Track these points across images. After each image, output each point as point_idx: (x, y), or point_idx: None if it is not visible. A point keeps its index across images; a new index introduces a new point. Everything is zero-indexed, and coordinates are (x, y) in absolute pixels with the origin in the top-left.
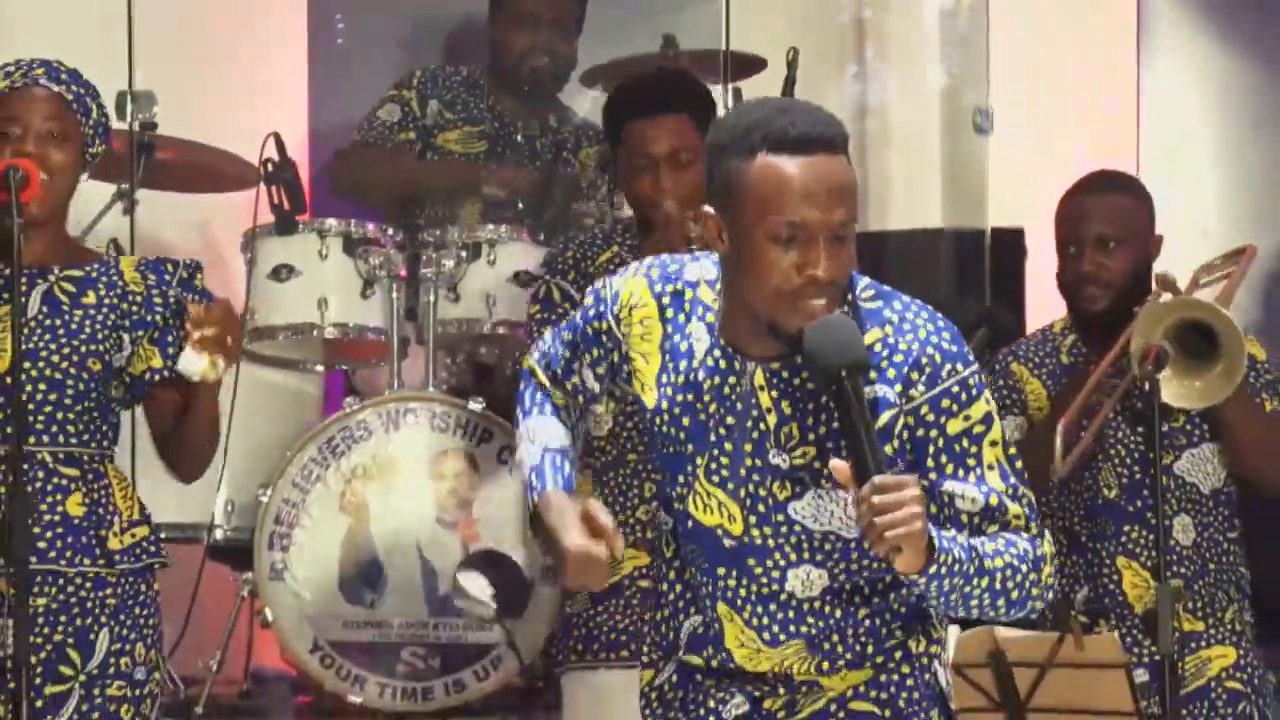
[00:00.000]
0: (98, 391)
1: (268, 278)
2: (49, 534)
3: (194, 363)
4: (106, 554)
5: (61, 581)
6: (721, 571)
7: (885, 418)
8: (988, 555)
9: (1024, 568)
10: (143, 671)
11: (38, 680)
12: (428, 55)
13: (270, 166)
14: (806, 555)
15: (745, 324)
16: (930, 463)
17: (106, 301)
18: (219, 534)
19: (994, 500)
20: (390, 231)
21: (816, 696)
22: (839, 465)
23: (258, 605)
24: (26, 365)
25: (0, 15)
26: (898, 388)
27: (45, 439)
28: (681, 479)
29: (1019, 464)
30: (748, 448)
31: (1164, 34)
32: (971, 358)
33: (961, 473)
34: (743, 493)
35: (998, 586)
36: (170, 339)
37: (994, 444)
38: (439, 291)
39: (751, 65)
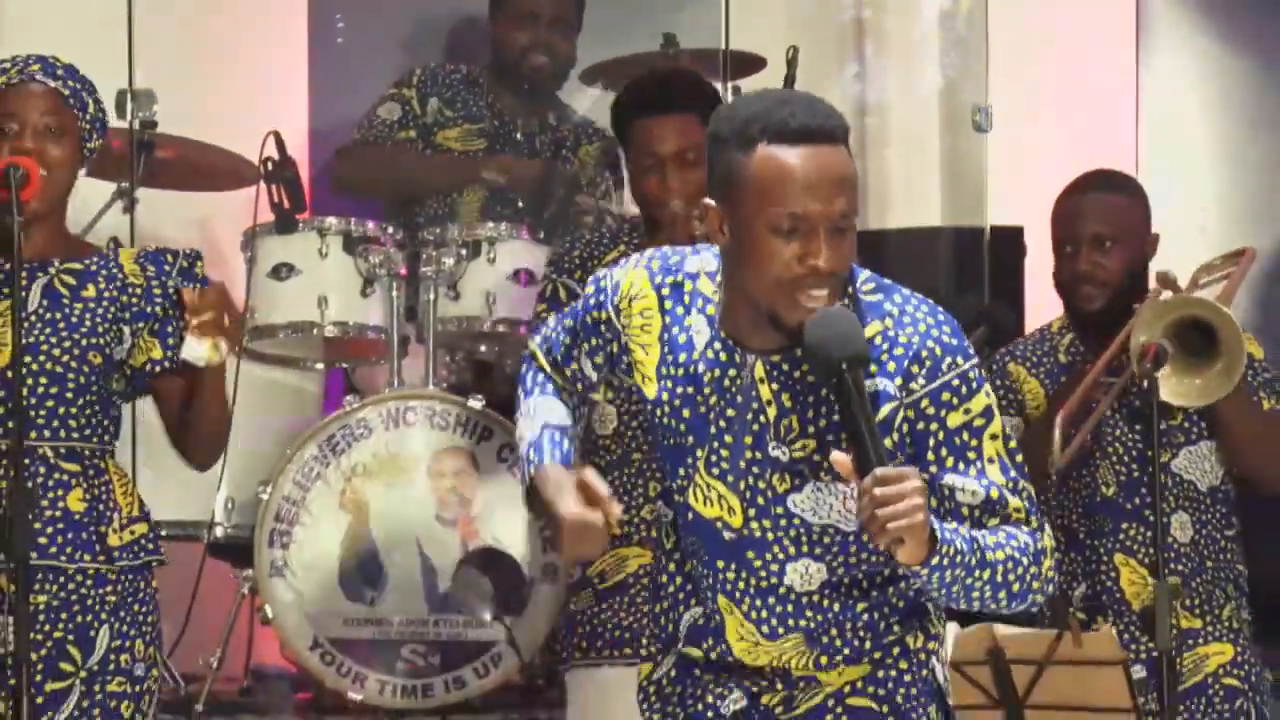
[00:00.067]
0: (99, 385)
1: (268, 276)
2: (49, 529)
3: (196, 348)
4: (106, 550)
5: (62, 579)
6: (721, 564)
7: (885, 411)
8: (989, 548)
9: (1025, 560)
10: (142, 668)
11: (38, 677)
12: (428, 54)
13: (270, 165)
14: (805, 549)
15: (746, 316)
16: (930, 456)
17: (106, 294)
18: (219, 531)
19: (994, 493)
20: (390, 230)
21: (814, 692)
22: (840, 458)
23: (258, 602)
24: (27, 359)
25: (0, 14)
26: (898, 381)
27: (46, 434)
28: (682, 471)
29: (1019, 458)
30: (748, 440)
31: (1163, 33)
32: (972, 351)
33: (962, 466)
34: (742, 485)
35: (999, 579)
36: (170, 329)
37: (994, 437)
38: (439, 289)
39: (751, 64)
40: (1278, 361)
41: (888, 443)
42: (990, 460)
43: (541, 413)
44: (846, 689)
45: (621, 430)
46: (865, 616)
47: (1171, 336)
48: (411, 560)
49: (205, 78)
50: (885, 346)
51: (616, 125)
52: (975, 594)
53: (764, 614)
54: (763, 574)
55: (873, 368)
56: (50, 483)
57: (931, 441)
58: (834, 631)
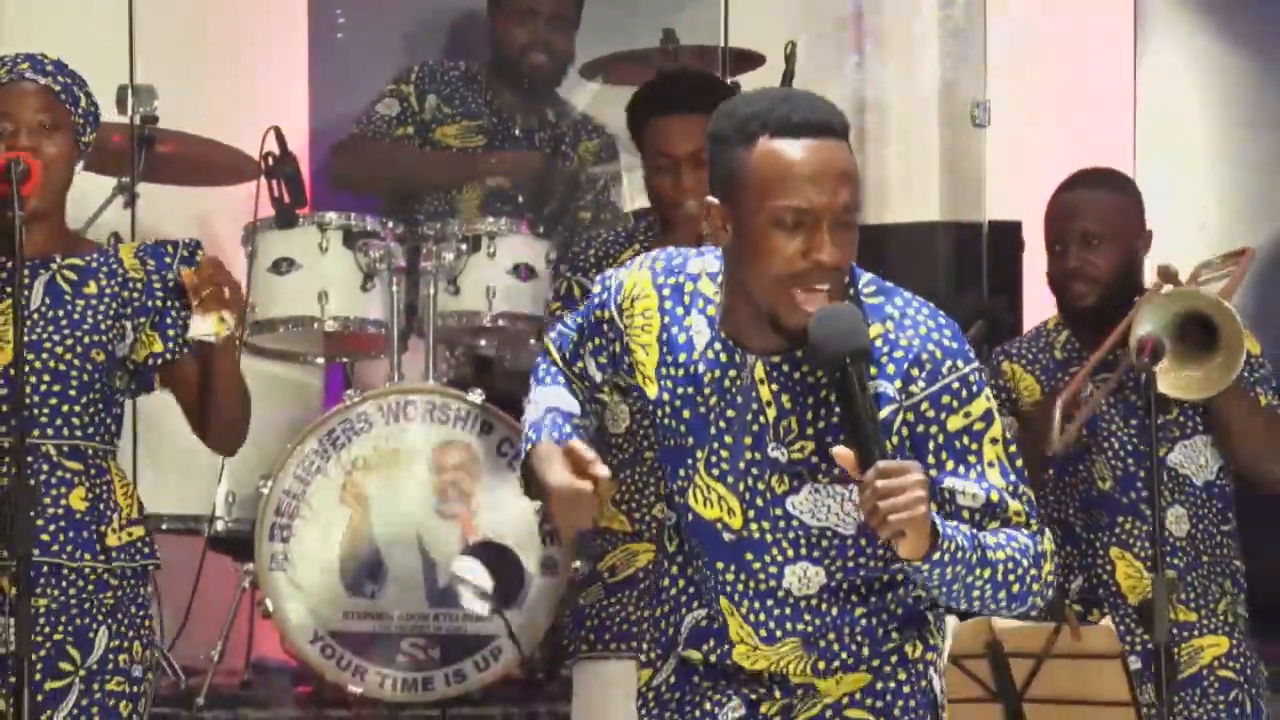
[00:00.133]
0: (102, 383)
1: (268, 271)
2: (51, 527)
3: (202, 325)
4: (105, 550)
5: (63, 584)
6: (720, 565)
7: (885, 413)
8: (990, 547)
9: (1025, 562)
10: (139, 670)
11: (37, 676)
12: (429, 49)
13: (271, 160)
14: (804, 551)
15: (746, 317)
16: (931, 459)
17: (108, 290)
18: (220, 525)
19: (995, 496)
20: (390, 224)
21: (812, 702)
22: (842, 451)
23: (259, 596)
24: (30, 357)
25: (1, 11)
26: (898, 383)
27: (49, 432)
28: (682, 472)
29: (1019, 462)
30: (747, 441)
31: (1161, 30)
32: (972, 355)
33: (962, 469)
34: (742, 486)
35: (999, 578)
36: (170, 320)
37: (994, 441)
38: (439, 284)
39: (751, 60)
40: (1274, 358)
41: (888, 446)
42: (990, 464)
43: (548, 399)
44: (845, 700)
45: (634, 428)
46: (864, 622)
47: (1172, 330)
48: (412, 554)
49: (206, 73)
50: (886, 349)
51: (631, 125)
52: (975, 593)
53: (762, 617)
54: (761, 576)
55: (873, 370)
56: (53, 480)
57: (931, 445)
58: (831, 636)
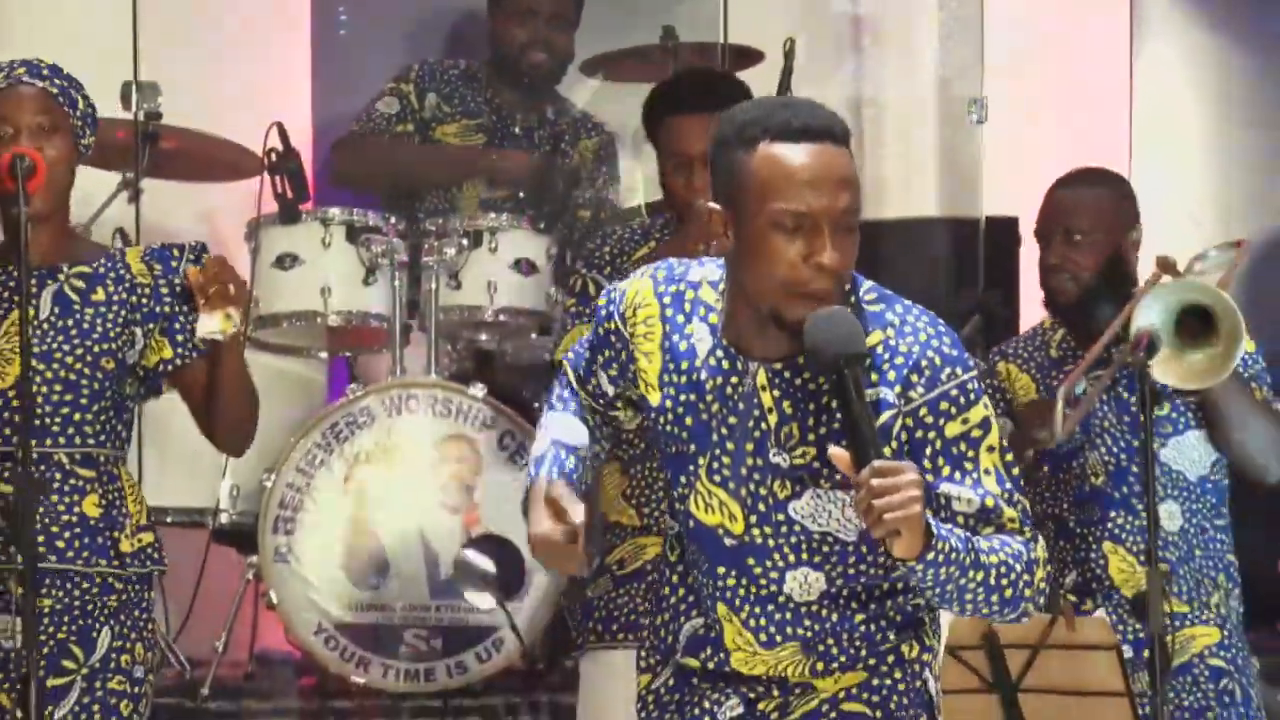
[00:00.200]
0: (112, 390)
1: (272, 266)
2: (66, 534)
3: (209, 323)
4: (120, 555)
5: (69, 585)
6: (721, 571)
7: (884, 419)
8: (983, 550)
9: (1018, 567)
10: (141, 671)
11: (40, 673)
12: (430, 47)
13: (274, 156)
14: (805, 556)
15: (748, 324)
16: (927, 465)
17: (116, 297)
18: (224, 518)
19: (990, 503)
20: (392, 220)
21: (809, 698)
22: (838, 452)
23: (262, 588)
24: (41, 367)
25: (4, 6)
26: (897, 389)
27: (62, 440)
28: (684, 479)
29: (1015, 470)
30: (749, 447)
31: (1157, 26)
32: (971, 363)
33: (958, 475)
34: (744, 492)
35: (992, 582)
36: (179, 325)
37: (991, 449)
38: (440, 279)
39: (750, 57)
40: (1269, 352)
41: (886, 451)
42: (987, 471)
43: (555, 429)
44: (841, 694)
45: (644, 424)
46: (863, 628)
47: (1171, 320)
48: (414, 547)
49: (210, 70)
50: (886, 356)
51: (646, 123)
52: (968, 596)
53: (762, 622)
54: (763, 581)
55: (873, 376)
56: (66, 488)
57: (929, 450)
58: (830, 641)
